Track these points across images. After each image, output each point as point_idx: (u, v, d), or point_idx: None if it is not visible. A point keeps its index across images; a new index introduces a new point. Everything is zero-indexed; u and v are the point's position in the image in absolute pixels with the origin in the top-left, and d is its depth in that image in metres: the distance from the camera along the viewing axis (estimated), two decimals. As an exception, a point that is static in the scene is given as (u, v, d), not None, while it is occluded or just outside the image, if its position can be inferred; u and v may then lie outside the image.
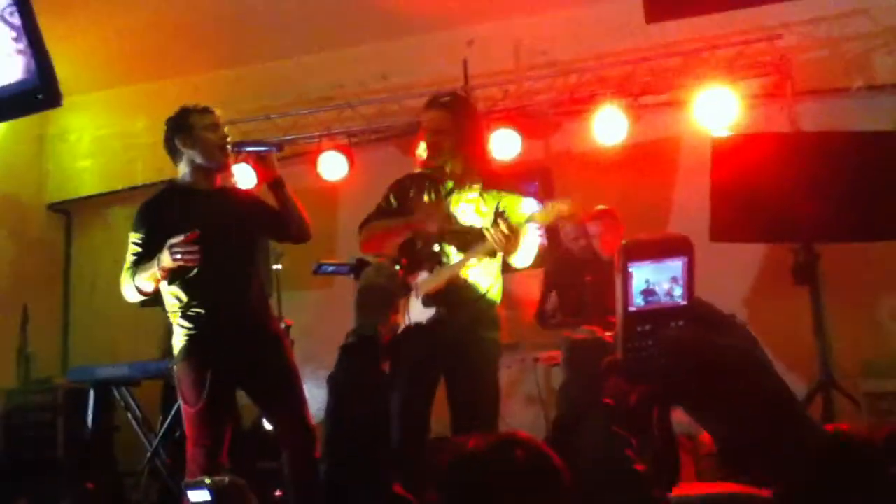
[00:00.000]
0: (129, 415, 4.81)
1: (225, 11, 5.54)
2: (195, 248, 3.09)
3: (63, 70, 4.79)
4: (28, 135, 6.48)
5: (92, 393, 4.74)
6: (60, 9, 4.74)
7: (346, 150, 5.72)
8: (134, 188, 6.63)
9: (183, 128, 3.36)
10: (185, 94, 6.39)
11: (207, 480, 1.91)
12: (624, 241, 1.32)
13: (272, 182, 3.44)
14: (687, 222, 5.15)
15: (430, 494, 1.39)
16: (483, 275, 3.38)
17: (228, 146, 3.39)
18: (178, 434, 4.25)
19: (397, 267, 3.16)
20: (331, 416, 1.65)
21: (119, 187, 6.68)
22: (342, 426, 1.57)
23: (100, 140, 6.89)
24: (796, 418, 1.22)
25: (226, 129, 3.42)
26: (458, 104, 3.57)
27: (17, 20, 3.77)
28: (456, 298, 3.33)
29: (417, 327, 3.33)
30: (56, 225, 6.84)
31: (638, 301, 1.29)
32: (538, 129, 5.73)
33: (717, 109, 5.01)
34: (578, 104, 5.48)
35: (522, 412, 5.31)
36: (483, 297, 3.39)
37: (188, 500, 2.03)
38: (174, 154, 3.40)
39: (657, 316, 1.29)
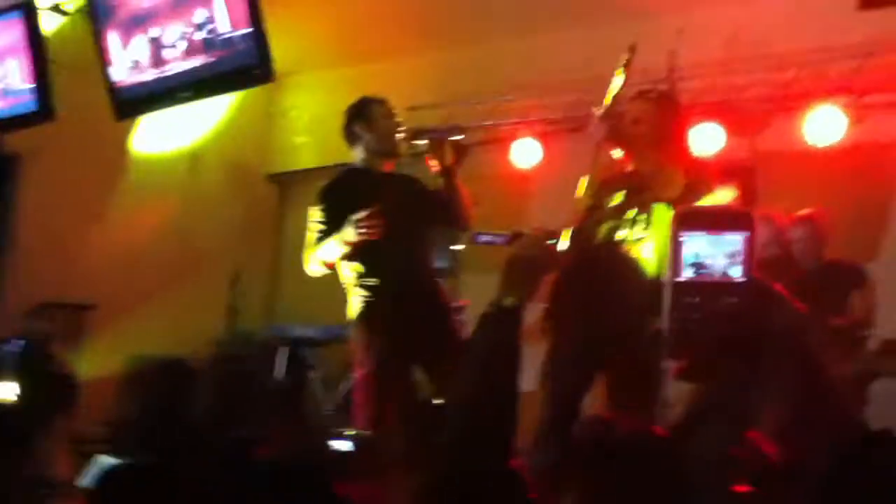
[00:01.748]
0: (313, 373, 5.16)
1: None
2: (377, 222, 3.27)
3: (288, 50, 5.22)
4: (255, 110, 7.04)
5: (284, 350, 5.12)
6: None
7: (541, 138, 5.74)
8: (344, 164, 7.04)
9: (363, 115, 3.60)
10: (396, 75, 6.71)
11: (351, 432, 2.01)
12: (679, 209, 1.24)
13: (443, 170, 3.57)
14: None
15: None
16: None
17: (401, 133, 3.58)
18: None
19: (552, 241, 3.12)
20: (461, 381, 1.69)
21: (331, 163, 7.11)
22: (464, 396, 1.60)
23: (318, 118, 7.37)
24: (831, 405, 1.11)
25: (400, 117, 3.60)
26: (663, 100, 3.56)
27: (241, 3, 4.13)
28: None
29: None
30: (273, 194, 7.41)
31: (688, 272, 1.22)
32: (745, 126, 5.42)
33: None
34: (792, 100, 5.12)
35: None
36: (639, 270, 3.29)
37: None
38: (352, 139, 3.67)
39: (708, 289, 1.21)
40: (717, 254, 1.22)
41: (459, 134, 3.74)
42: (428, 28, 6.23)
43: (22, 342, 1.76)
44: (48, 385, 1.65)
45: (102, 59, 4.87)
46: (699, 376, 1.24)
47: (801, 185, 5.04)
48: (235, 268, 6.05)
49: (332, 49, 6.68)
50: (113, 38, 4.84)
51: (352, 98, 7.11)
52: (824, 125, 4.87)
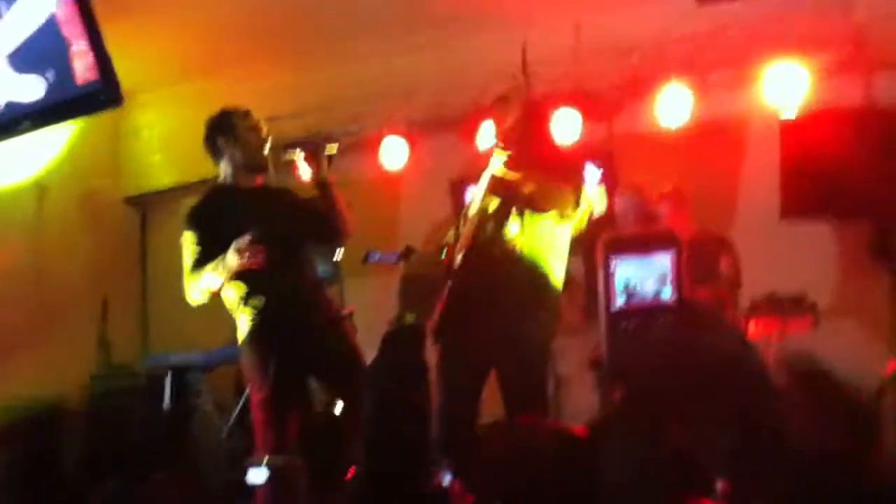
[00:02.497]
0: (201, 400, 4.99)
1: (294, 4, 5.64)
2: (259, 248, 3.20)
3: (133, 67, 4.99)
4: (103, 132, 6.71)
5: (168, 379, 4.94)
6: (123, 9, 4.90)
7: (407, 138, 5.79)
8: (205, 181, 6.83)
9: (226, 128, 3.50)
10: (250, 86, 6.57)
11: (266, 460, 1.98)
12: (604, 236, 1.31)
13: (319, 181, 3.54)
14: (756, 201, 5.05)
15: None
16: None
17: (267, 148, 3.52)
18: (249, 419, 4.37)
19: (443, 255, 3.17)
20: (371, 402, 1.70)
21: (190, 180, 6.88)
22: (381, 413, 1.61)
23: (171, 135, 7.11)
24: (775, 422, 1.21)
25: (265, 129, 3.54)
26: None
27: (78, 25, 3.93)
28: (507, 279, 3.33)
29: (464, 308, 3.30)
30: (132, 218, 7.09)
31: (620, 299, 1.30)
32: (600, 112, 5.66)
33: (786, 85, 4.87)
34: (640, 85, 5.39)
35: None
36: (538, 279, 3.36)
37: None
38: (216, 154, 3.55)
39: (642, 314, 1.29)
40: (648, 277, 1.28)
41: (332, 142, 3.69)
42: (280, 37, 6.12)
43: None
44: None
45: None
46: (640, 403, 1.30)
47: (659, 162, 5.33)
48: (103, 299, 5.74)
49: (181, 63, 6.45)
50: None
51: (206, 112, 6.87)
52: (673, 105, 5.15)
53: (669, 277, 1.26)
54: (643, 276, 1.26)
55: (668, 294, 1.27)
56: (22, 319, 5.77)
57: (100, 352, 5.71)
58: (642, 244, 1.25)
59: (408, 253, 3.77)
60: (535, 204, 3.35)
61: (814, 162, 4.16)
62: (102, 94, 4.09)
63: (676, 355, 1.24)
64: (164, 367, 5.06)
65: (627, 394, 1.29)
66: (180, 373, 5.00)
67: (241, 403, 4.76)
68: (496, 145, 3.47)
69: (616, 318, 1.23)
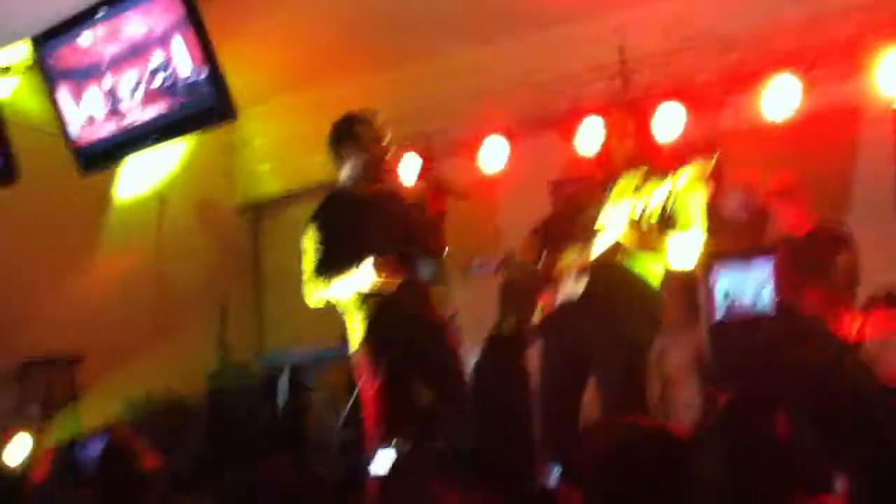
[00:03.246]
0: (315, 396, 5.18)
1: (389, 10, 5.79)
2: (398, 266, 3.36)
3: (244, 81, 5.24)
4: (217, 143, 7.05)
5: (284, 376, 5.15)
6: (232, 26, 5.14)
7: (508, 138, 5.85)
8: (313, 188, 7.09)
9: (348, 136, 3.62)
10: (353, 95, 6.77)
11: (393, 443, 2.05)
12: (706, 251, 1.33)
13: (436, 207, 3.66)
14: (870, 196, 4.86)
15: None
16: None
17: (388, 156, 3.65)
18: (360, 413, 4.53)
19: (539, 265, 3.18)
20: (475, 401, 1.77)
21: (298, 187, 7.15)
22: (486, 413, 1.68)
23: (280, 144, 7.40)
24: (872, 428, 1.20)
25: (388, 136, 3.66)
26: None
27: (195, 45, 4.17)
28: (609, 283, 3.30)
29: (567, 309, 3.31)
30: (245, 225, 7.42)
31: (722, 311, 1.32)
32: (703, 107, 5.56)
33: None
34: (743, 79, 5.28)
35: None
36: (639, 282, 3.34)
37: (373, 469, 2.17)
38: (338, 158, 3.67)
39: (742, 325, 1.32)
40: (747, 286, 1.32)
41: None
42: (379, 44, 6.29)
43: (102, 443, 1.66)
44: (130, 488, 1.62)
45: (59, 117, 4.87)
46: (747, 404, 1.32)
47: (766, 159, 5.20)
48: (219, 302, 6.05)
49: (288, 74, 6.71)
50: (64, 95, 4.83)
51: (311, 120, 7.17)
52: (778, 98, 5.03)
53: (769, 287, 1.30)
54: (743, 286, 1.31)
55: (767, 302, 1.31)
56: (147, 319, 6.14)
57: (219, 351, 6.00)
58: (742, 254, 1.29)
59: (506, 262, 3.83)
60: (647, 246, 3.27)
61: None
62: (218, 110, 4.33)
63: (773, 363, 1.27)
64: (279, 365, 5.27)
65: (733, 397, 1.32)
66: (294, 370, 5.21)
67: (352, 399, 4.91)
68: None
69: (718, 327, 1.28)
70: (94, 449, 1.86)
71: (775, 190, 4.58)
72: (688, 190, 3.17)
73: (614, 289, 3.29)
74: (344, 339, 5.09)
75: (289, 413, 5.19)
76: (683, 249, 3.19)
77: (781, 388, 1.26)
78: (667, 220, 3.21)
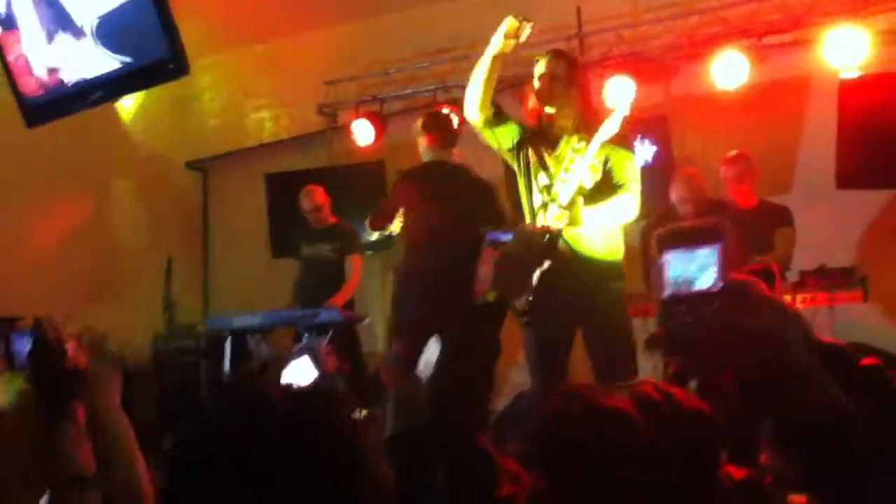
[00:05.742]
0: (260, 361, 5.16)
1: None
2: None
3: (194, 32, 5.08)
4: (167, 96, 6.86)
5: (229, 340, 5.11)
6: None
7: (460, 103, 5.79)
8: (263, 145, 6.99)
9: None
10: (305, 52, 6.65)
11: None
12: (657, 231, 1.36)
13: None
14: (813, 168, 4.94)
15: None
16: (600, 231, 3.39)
17: None
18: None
19: (548, 236, 3.14)
20: (438, 367, 1.79)
21: (249, 145, 7.04)
22: (443, 380, 1.70)
23: (229, 100, 7.26)
24: (815, 392, 1.25)
25: None
26: (570, 57, 3.79)
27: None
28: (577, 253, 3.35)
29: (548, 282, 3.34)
30: (194, 182, 7.29)
31: (672, 287, 1.36)
32: (655, 75, 5.58)
33: (845, 48, 4.74)
34: (697, 47, 5.31)
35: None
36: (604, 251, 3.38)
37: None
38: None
39: (692, 298, 1.36)
40: (695, 267, 1.35)
41: None
42: (333, 1, 6.18)
43: (30, 338, 1.73)
44: (63, 378, 1.68)
45: (7, 71, 4.68)
46: (694, 375, 1.36)
47: (715, 126, 5.25)
48: (167, 260, 5.95)
49: (238, 27, 6.55)
50: (15, 50, 4.64)
51: (263, 76, 7.09)
52: (729, 68, 5.06)
53: (715, 268, 1.35)
54: (691, 267, 1.35)
55: (713, 282, 1.36)
56: (90, 280, 6.02)
57: (164, 313, 5.91)
58: (690, 238, 1.34)
59: (518, 233, 3.84)
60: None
61: (871, 129, 4.06)
62: (171, 64, 4.17)
63: (721, 335, 1.31)
64: (225, 328, 5.22)
65: (678, 368, 1.36)
66: (238, 334, 5.17)
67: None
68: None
69: (668, 304, 1.33)
70: (23, 344, 1.88)
71: (728, 158, 4.64)
72: (610, 153, 3.36)
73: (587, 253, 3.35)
74: (293, 303, 5.19)
75: (234, 378, 5.16)
76: (621, 208, 3.28)
77: (727, 354, 1.30)
78: (599, 187, 3.33)
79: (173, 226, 6.91)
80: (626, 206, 3.29)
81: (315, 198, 5.48)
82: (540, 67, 3.58)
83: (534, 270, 1.92)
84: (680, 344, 1.36)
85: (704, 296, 1.33)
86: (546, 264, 3.05)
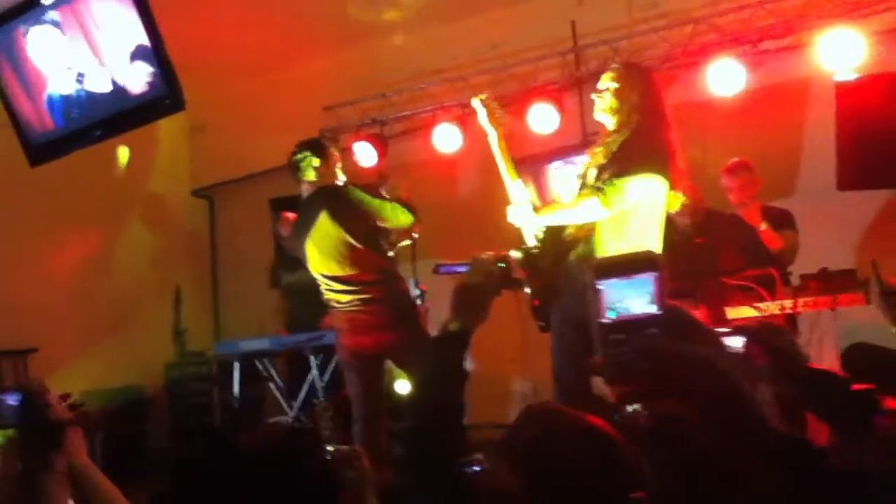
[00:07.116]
0: (271, 384, 5.20)
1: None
2: None
3: (198, 67, 5.15)
4: (173, 127, 6.96)
5: (237, 365, 5.15)
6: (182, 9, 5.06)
7: (460, 121, 5.84)
8: (267, 171, 7.05)
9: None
10: (305, 79, 6.72)
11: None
12: (594, 262, 1.38)
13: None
14: (815, 171, 4.94)
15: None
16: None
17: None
18: (313, 400, 4.57)
19: (501, 264, 3.20)
20: (412, 401, 1.81)
21: (254, 171, 7.11)
22: (419, 414, 1.72)
23: (235, 127, 7.33)
24: (749, 422, 1.26)
25: None
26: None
27: (143, 34, 4.09)
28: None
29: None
30: (200, 209, 7.36)
31: (610, 314, 1.39)
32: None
33: (841, 50, 4.75)
34: (693, 56, 5.32)
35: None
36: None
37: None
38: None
39: (629, 326, 1.38)
40: (633, 294, 1.38)
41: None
42: (332, 29, 6.25)
43: (19, 394, 1.85)
44: (48, 431, 1.81)
45: (8, 108, 4.78)
46: (637, 400, 1.38)
47: (714, 133, 5.25)
48: (175, 289, 6.01)
49: (239, 59, 6.63)
50: (18, 93, 4.74)
51: (267, 104, 7.16)
52: (725, 75, 5.07)
53: (652, 297, 1.38)
54: (628, 296, 1.39)
55: (651, 309, 1.38)
56: (101, 311, 6.09)
57: (175, 341, 5.97)
58: (625, 269, 1.38)
59: (473, 264, 3.90)
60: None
61: (869, 131, 4.06)
62: (168, 100, 4.25)
63: (656, 361, 1.34)
64: (233, 353, 5.26)
65: (622, 394, 1.39)
66: (247, 358, 5.20)
67: (306, 387, 4.94)
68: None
69: (606, 329, 1.36)
70: (13, 399, 1.98)
71: (728, 167, 4.63)
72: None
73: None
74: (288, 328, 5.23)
75: (244, 401, 5.19)
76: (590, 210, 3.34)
77: (667, 382, 1.32)
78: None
79: (181, 253, 6.98)
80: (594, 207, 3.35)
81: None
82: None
83: (492, 298, 1.97)
84: (621, 373, 1.39)
85: (641, 322, 1.36)
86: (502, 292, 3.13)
